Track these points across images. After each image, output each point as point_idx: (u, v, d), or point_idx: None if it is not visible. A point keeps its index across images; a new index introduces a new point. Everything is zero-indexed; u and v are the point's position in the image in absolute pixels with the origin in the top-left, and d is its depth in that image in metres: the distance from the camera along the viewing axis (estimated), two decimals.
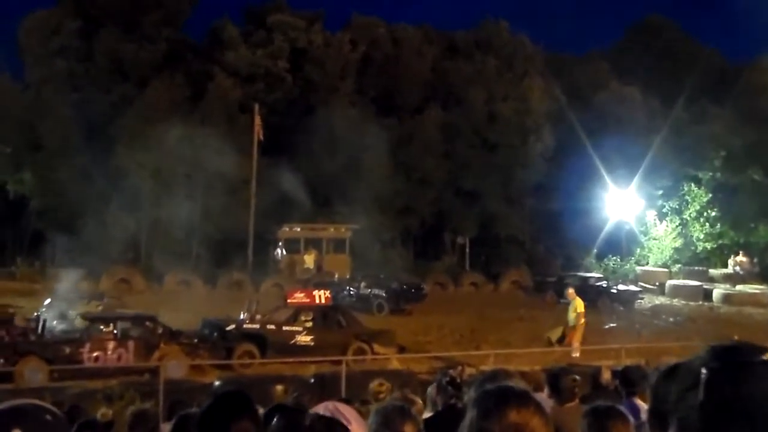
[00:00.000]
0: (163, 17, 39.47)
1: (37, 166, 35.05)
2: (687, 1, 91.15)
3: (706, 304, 31.78)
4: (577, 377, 5.59)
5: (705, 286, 33.33)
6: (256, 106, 35.44)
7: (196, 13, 42.14)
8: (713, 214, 37.91)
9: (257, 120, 35.29)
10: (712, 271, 35.74)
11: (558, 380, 5.32)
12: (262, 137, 35.30)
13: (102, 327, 16.98)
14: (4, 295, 27.03)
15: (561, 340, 19.40)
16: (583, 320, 19.07)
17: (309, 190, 35.10)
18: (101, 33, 37.29)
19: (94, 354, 16.28)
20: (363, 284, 28.43)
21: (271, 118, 36.14)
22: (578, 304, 19.01)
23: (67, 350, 16.21)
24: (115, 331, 16.81)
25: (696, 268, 35.88)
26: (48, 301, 19.07)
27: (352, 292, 27.97)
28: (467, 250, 40.22)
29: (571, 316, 18.97)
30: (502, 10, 70.92)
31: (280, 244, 34.98)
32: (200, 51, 41.60)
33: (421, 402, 5.93)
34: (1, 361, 15.50)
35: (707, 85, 43.30)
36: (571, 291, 19.61)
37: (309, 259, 33.43)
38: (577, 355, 18.49)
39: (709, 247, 37.99)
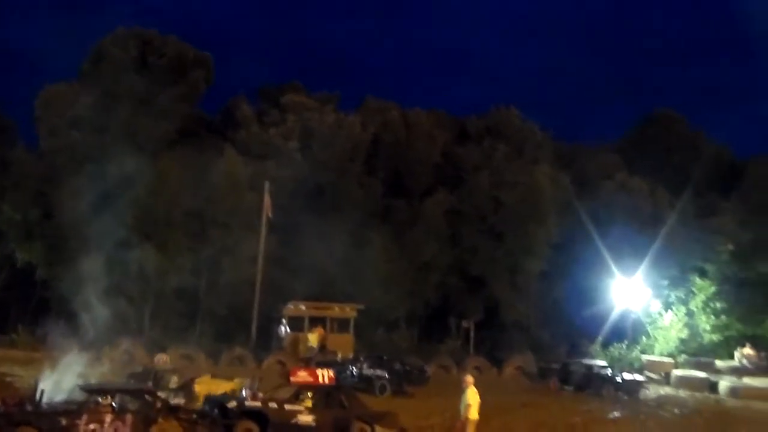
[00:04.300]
0: (179, 94, 40.22)
1: (46, 235, 35.20)
2: (695, 95, 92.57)
3: (712, 396, 31.32)
4: None
5: (711, 378, 32.93)
6: (267, 184, 35.69)
7: (211, 89, 42.96)
8: (719, 305, 37.73)
9: (267, 198, 35.50)
10: (719, 363, 35.23)
11: None
12: (271, 214, 35.48)
13: (100, 399, 16.75)
14: (3, 363, 26.94)
15: None
16: (476, 415, 16.79)
17: (315, 268, 35.06)
18: (118, 107, 37.89)
19: (91, 426, 15.95)
20: (366, 365, 28.09)
21: (280, 196, 36.34)
22: (470, 395, 16.84)
23: (64, 422, 15.93)
24: (113, 404, 16.59)
25: (702, 359, 35.48)
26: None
27: (354, 373, 27.64)
28: (472, 333, 39.85)
29: (463, 407, 16.78)
30: (513, 98, 72.13)
31: (284, 321, 34.75)
32: (213, 127, 42.25)
33: None
34: None
35: (714, 179, 43.68)
36: (468, 378, 17.32)
37: (313, 338, 33.18)
38: None
39: (715, 338, 37.66)
